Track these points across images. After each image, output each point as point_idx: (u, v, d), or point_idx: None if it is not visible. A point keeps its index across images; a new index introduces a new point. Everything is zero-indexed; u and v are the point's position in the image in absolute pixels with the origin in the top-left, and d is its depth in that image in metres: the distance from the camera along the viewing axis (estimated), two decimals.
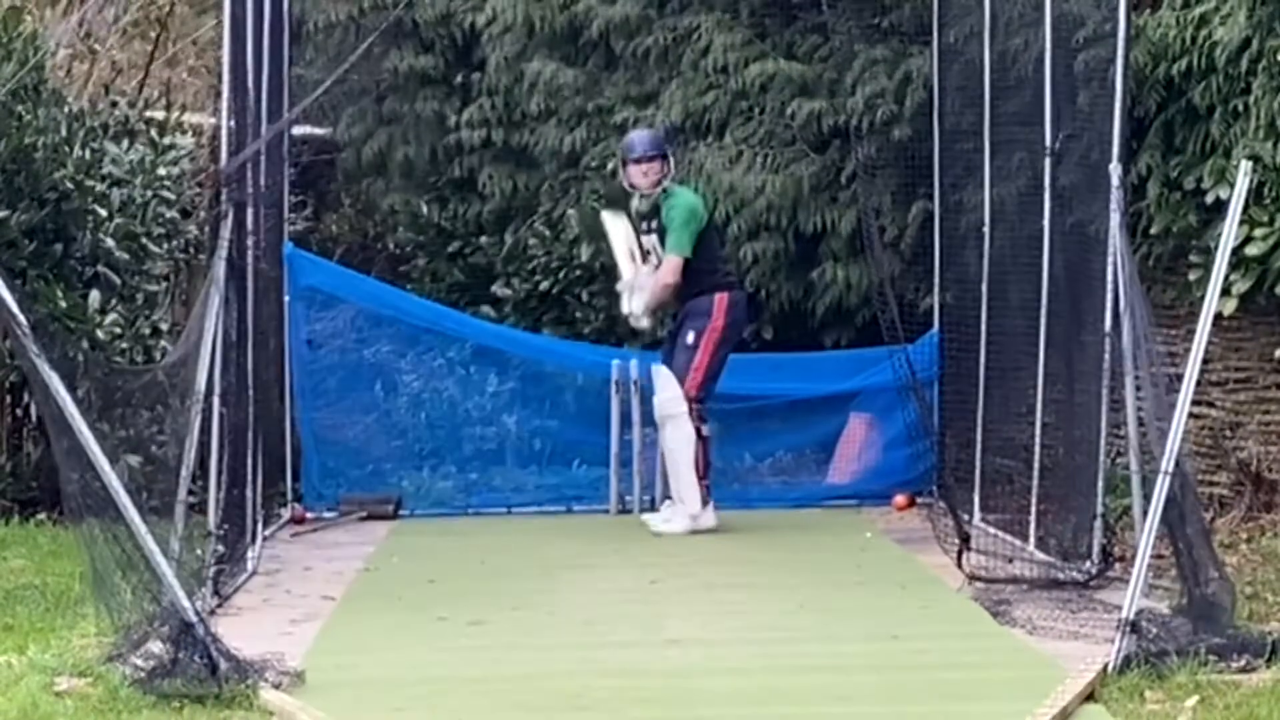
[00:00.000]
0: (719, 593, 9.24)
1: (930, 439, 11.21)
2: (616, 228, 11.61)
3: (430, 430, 12.57)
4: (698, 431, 11.00)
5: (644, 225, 11.35)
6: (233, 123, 9.25)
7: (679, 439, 11.03)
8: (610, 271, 13.26)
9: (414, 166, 14.67)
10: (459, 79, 14.49)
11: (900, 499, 11.88)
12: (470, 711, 6.77)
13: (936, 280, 11.94)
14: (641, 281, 11.34)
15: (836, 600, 8.97)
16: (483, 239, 14.31)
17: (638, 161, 11.29)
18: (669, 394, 11.04)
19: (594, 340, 13.29)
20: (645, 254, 11.36)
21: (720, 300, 11.09)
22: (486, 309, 13.78)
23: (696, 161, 12.92)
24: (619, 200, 11.87)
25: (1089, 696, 6.70)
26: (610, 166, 13.49)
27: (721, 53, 13.13)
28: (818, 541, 10.82)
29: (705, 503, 11.06)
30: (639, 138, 11.53)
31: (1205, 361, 8.21)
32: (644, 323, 11.54)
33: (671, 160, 11.44)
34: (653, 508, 11.67)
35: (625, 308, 11.50)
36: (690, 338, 11.03)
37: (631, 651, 7.73)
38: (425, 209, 14.58)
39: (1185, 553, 7.54)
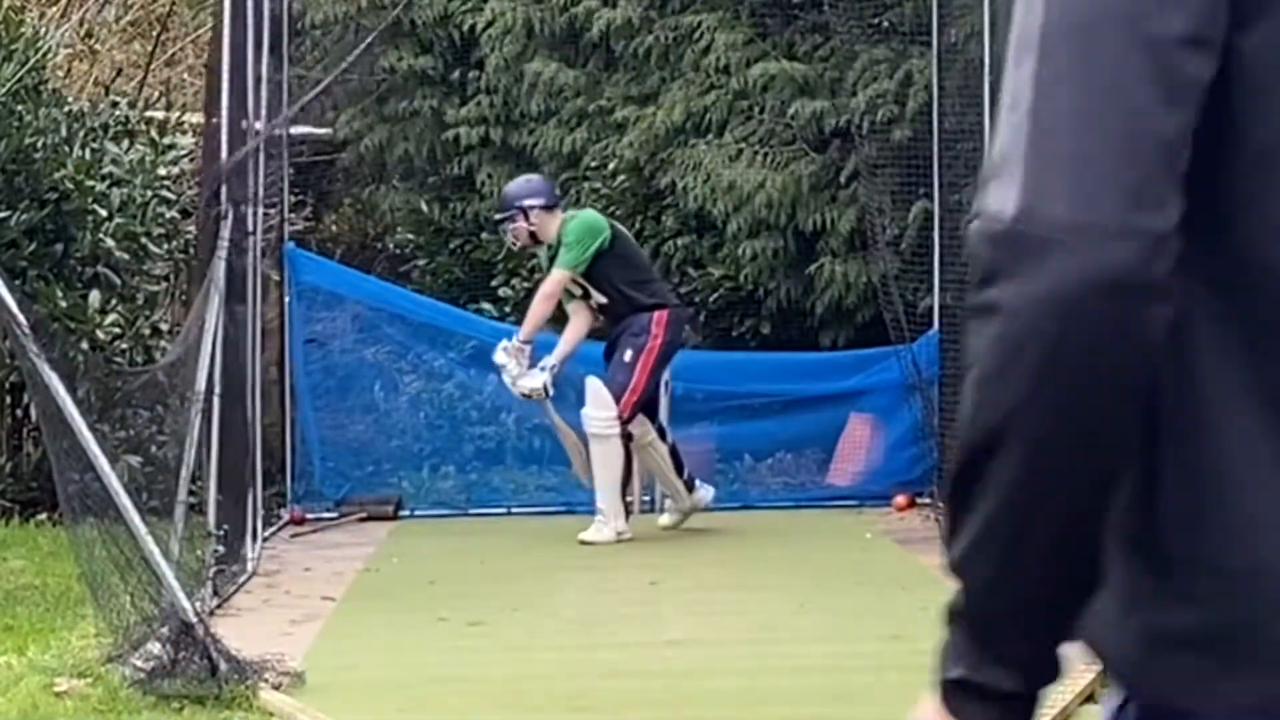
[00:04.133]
0: (719, 593, 9.23)
1: (932, 439, 11.20)
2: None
3: (430, 430, 12.56)
4: (628, 451, 10.70)
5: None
6: (231, 123, 9.25)
7: (609, 458, 10.68)
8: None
9: (413, 165, 14.67)
10: (456, 76, 14.49)
11: (900, 500, 11.86)
12: (470, 712, 6.76)
13: (936, 280, 11.93)
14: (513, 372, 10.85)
15: (836, 601, 8.96)
16: (483, 235, 14.30)
17: (499, 224, 11.12)
18: (604, 415, 10.62)
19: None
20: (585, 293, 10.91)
21: (659, 318, 10.69)
22: (487, 307, 13.77)
23: (696, 158, 12.92)
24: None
25: (1089, 697, 6.69)
26: (611, 167, 13.49)
27: (722, 52, 13.13)
28: (818, 542, 10.81)
29: (693, 504, 10.98)
30: (503, 195, 11.24)
31: None
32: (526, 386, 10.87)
33: (537, 207, 10.86)
34: (653, 509, 11.65)
35: (510, 381, 10.93)
36: (628, 355, 10.65)
37: (631, 652, 7.73)
38: (425, 207, 14.58)
39: None
